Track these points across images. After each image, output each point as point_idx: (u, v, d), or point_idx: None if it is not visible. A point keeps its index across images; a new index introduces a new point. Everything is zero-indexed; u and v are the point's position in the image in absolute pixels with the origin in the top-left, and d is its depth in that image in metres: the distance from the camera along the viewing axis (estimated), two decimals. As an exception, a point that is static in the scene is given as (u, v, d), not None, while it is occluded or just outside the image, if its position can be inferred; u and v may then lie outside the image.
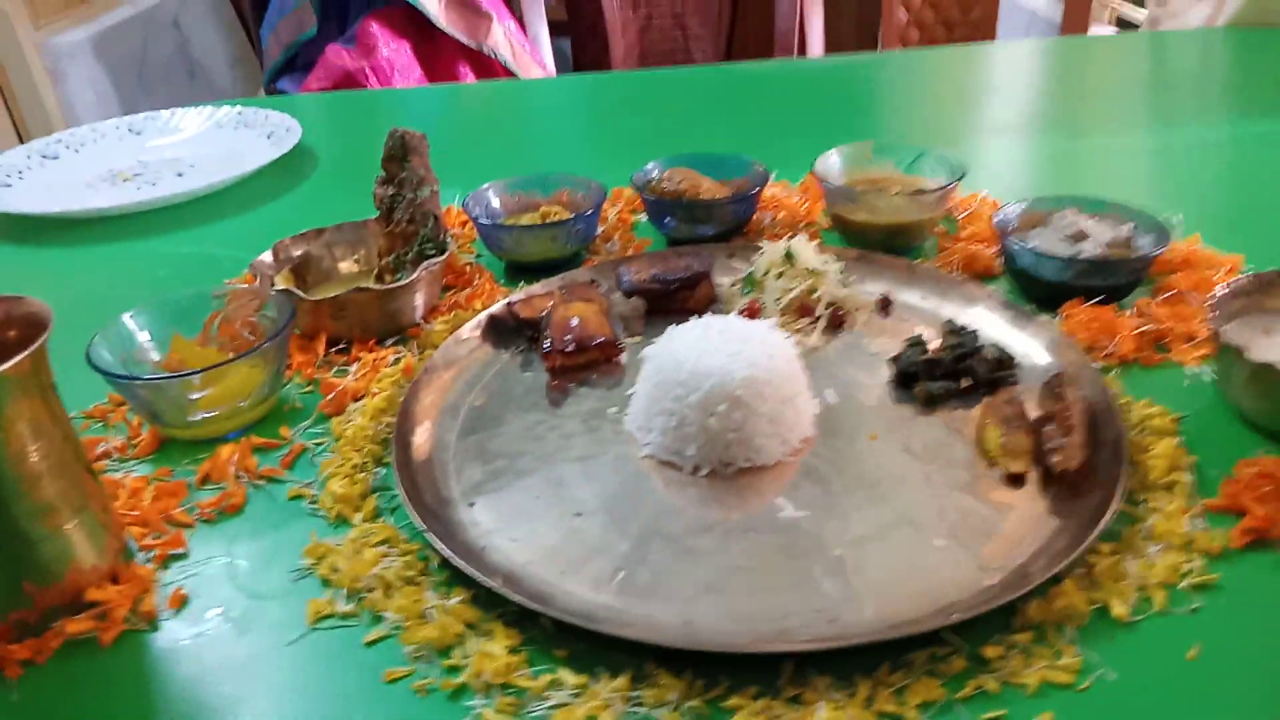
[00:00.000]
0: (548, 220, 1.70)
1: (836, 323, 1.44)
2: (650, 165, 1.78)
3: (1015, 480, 1.10)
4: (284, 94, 3.74)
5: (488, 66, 3.75)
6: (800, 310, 1.45)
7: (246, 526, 1.07)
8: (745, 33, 4.32)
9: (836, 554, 1.01)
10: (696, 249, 1.59)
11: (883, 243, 1.63)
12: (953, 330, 1.36)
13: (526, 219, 1.73)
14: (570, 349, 1.35)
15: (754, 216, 1.77)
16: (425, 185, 1.58)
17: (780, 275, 1.47)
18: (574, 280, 1.54)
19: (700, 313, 1.49)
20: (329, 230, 1.63)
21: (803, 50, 3.86)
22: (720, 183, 1.79)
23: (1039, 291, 1.44)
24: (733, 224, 1.71)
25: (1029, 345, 1.32)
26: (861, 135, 1.83)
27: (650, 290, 1.50)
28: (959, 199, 1.78)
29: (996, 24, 3.75)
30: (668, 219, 1.71)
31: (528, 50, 3.83)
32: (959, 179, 1.61)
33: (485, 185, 1.74)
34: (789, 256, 1.47)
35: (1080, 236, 1.45)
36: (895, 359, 1.31)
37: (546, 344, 1.36)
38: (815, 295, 1.45)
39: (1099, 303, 1.37)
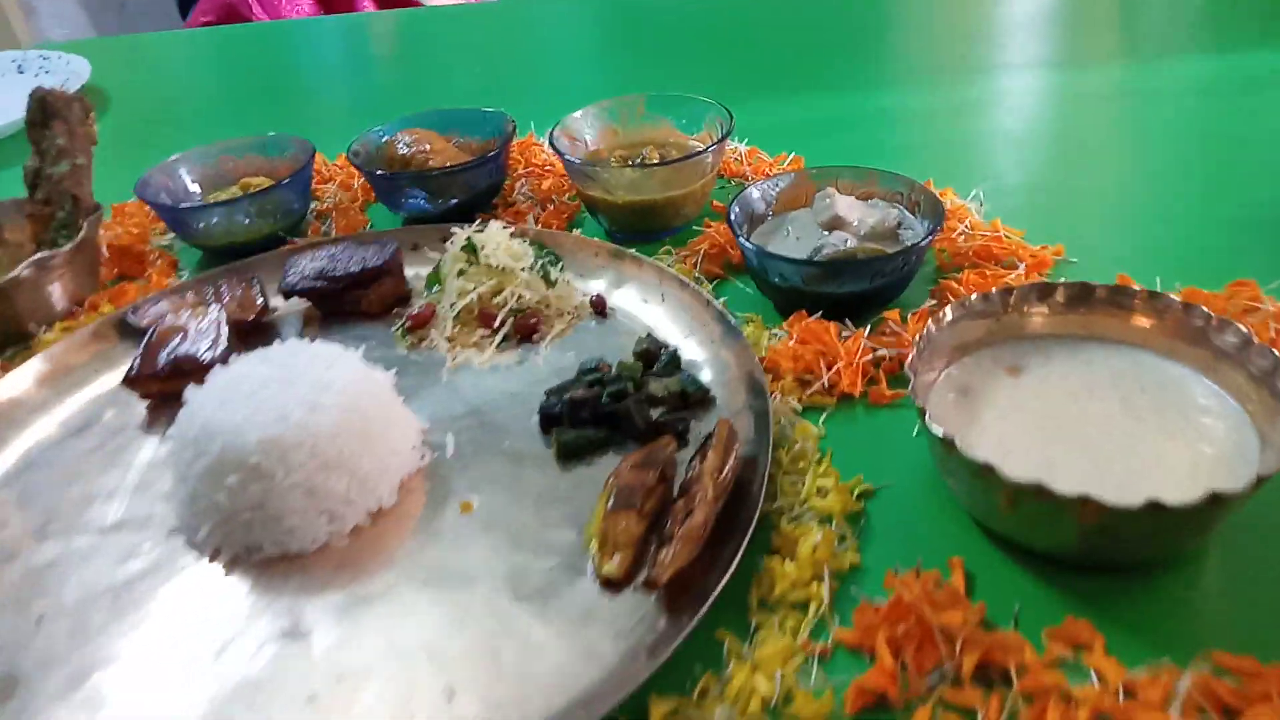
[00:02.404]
0: (247, 193, 1.42)
1: (525, 332, 1.14)
2: (377, 129, 1.47)
3: (611, 585, 0.81)
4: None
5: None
6: (482, 318, 1.15)
7: None
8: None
9: (310, 693, 0.75)
10: (385, 238, 1.30)
11: (633, 225, 1.32)
12: (641, 352, 1.06)
13: (225, 195, 1.45)
14: (164, 372, 1.08)
15: (504, 184, 1.47)
16: (65, 158, 1.31)
17: (461, 272, 1.17)
18: (229, 277, 1.26)
19: (377, 316, 1.23)
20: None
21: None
22: (468, 142, 1.49)
23: (777, 299, 1.12)
24: (473, 195, 1.41)
25: (735, 374, 1.01)
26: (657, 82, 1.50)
27: (314, 291, 1.22)
28: (754, 165, 1.45)
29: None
30: (392, 195, 1.41)
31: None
32: (719, 141, 1.28)
33: (174, 156, 1.45)
34: (470, 249, 1.17)
35: (835, 224, 1.12)
36: (554, 392, 1.02)
37: (133, 365, 1.09)
38: (498, 299, 1.16)
39: (828, 316, 1.05)
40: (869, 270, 1.04)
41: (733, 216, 1.12)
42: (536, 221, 1.36)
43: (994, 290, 0.91)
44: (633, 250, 1.21)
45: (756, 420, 0.92)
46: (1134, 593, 0.75)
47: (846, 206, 1.13)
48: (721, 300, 1.15)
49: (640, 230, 1.32)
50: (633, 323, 1.15)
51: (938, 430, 0.76)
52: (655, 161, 1.31)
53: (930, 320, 0.88)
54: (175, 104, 2.19)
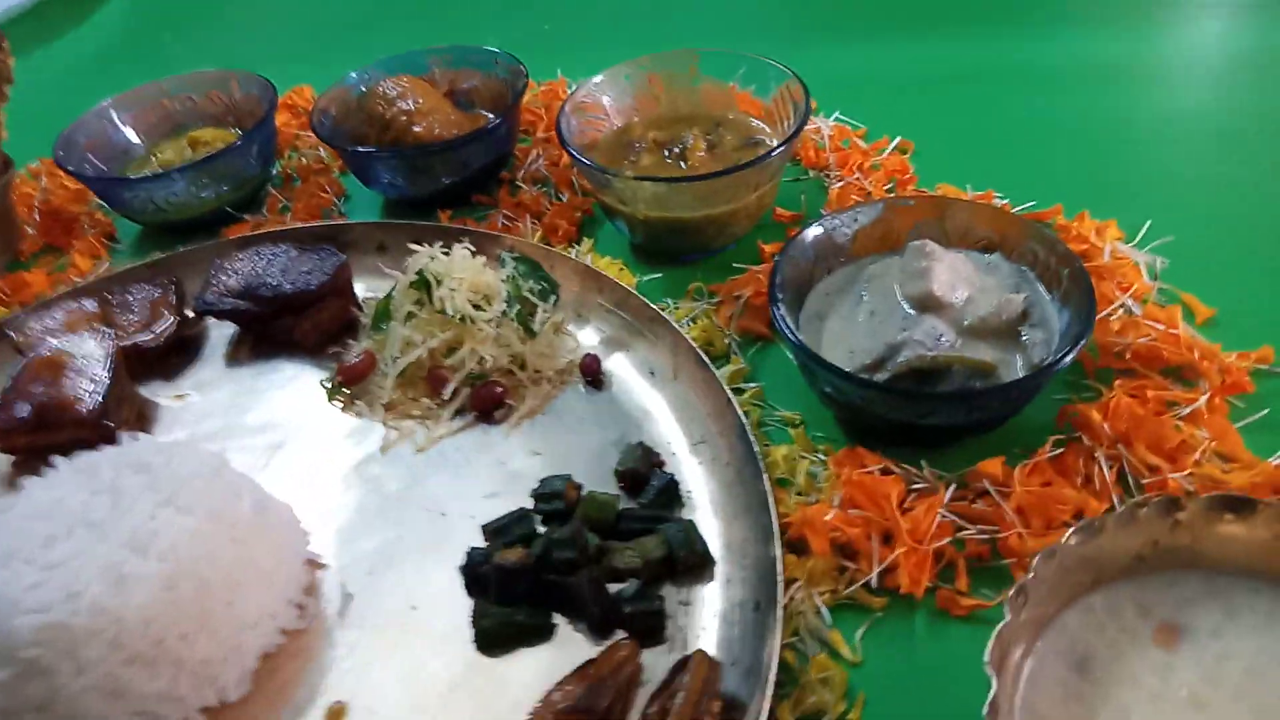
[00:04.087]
0: (198, 155, 1.14)
1: (484, 407, 0.85)
2: (352, 75, 1.15)
3: None
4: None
5: None
6: (430, 380, 0.86)
7: None
8: None
9: None
10: (340, 235, 1.00)
11: (662, 243, 0.98)
12: (627, 472, 0.76)
13: (170, 150, 1.17)
14: (28, 423, 0.84)
15: (514, 154, 1.14)
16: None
17: (409, 317, 0.88)
18: (145, 279, 1.00)
19: (311, 351, 0.95)
20: None
21: None
22: (474, 88, 1.16)
23: (832, 406, 0.79)
24: (469, 175, 1.09)
25: (742, 532, 0.71)
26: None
27: (235, 314, 0.95)
28: (841, 154, 1.07)
29: None
30: (367, 171, 1.10)
31: None
32: (789, 140, 0.91)
33: (107, 101, 1.17)
34: (421, 285, 0.87)
35: (929, 302, 0.76)
36: (494, 532, 0.73)
37: (-11, 414, 0.85)
38: (452, 359, 0.86)
39: (898, 442, 0.72)
40: (964, 404, 0.70)
41: (777, 283, 0.77)
42: (538, 224, 1.04)
43: (1155, 498, 0.57)
44: (658, 274, 0.90)
45: (752, 635, 0.62)
46: None
47: (949, 275, 0.77)
48: (753, 390, 0.82)
49: (673, 249, 0.99)
50: (631, 403, 0.84)
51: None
52: (683, 176, 0.95)
53: (1041, 555, 0.54)
54: (117, 33, 1.80)
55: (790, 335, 0.73)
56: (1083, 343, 0.68)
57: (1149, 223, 0.93)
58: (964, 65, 1.24)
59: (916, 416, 0.71)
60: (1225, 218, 0.95)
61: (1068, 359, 0.68)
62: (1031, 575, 0.54)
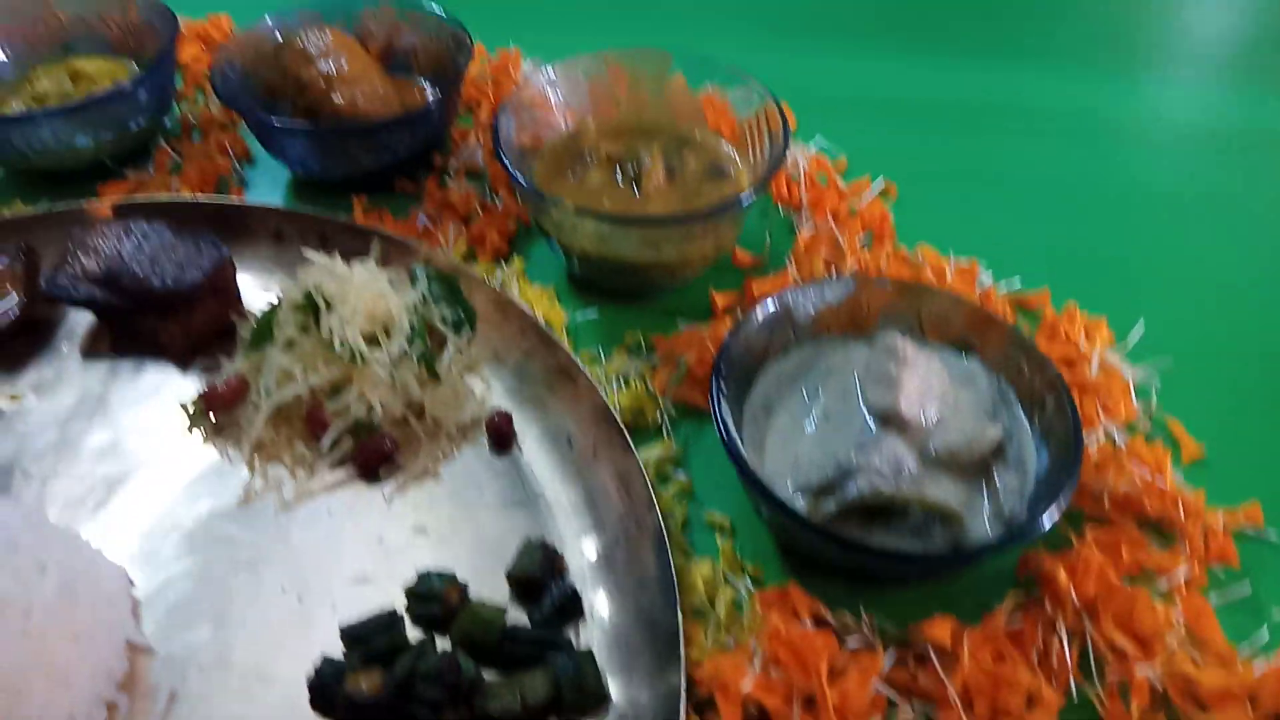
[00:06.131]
0: (82, 95, 0.97)
1: (368, 463, 0.72)
2: (269, 17, 0.99)
3: None
4: None
5: None
6: (309, 421, 0.74)
7: None
8: None
9: None
10: (228, 216, 0.86)
11: (604, 278, 0.86)
12: (522, 578, 0.64)
13: (47, 79, 1.00)
14: None
15: (449, 135, 1.00)
16: None
17: (291, 344, 0.74)
18: (-12, 244, 0.85)
19: (178, 358, 0.81)
20: None
21: None
22: (409, 47, 1.01)
23: (765, 524, 0.68)
24: (393, 162, 0.95)
25: (645, 672, 0.60)
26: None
27: (92, 304, 0.81)
28: (815, 194, 0.95)
29: None
30: (275, 143, 0.94)
31: None
32: (763, 182, 0.79)
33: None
34: (308, 307, 0.74)
35: (893, 418, 0.66)
36: (355, 640, 0.62)
37: None
38: (335, 403, 0.73)
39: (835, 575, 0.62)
40: (916, 563, 0.60)
41: (720, 376, 0.66)
42: (464, 230, 0.90)
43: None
44: (592, 311, 0.78)
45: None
46: None
47: (919, 388, 0.66)
48: (681, 484, 0.72)
49: (613, 288, 0.86)
50: (538, 479, 0.72)
51: None
52: (631, 217, 0.81)
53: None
54: None
55: (730, 446, 0.62)
56: (1062, 505, 0.59)
57: (1141, 322, 0.83)
58: (963, 94, 1.13)
59: (860, 565, 0.61)
60: (1228, 329, 0.85)
61: (1043, 524, 0.58)
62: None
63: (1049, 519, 0.58)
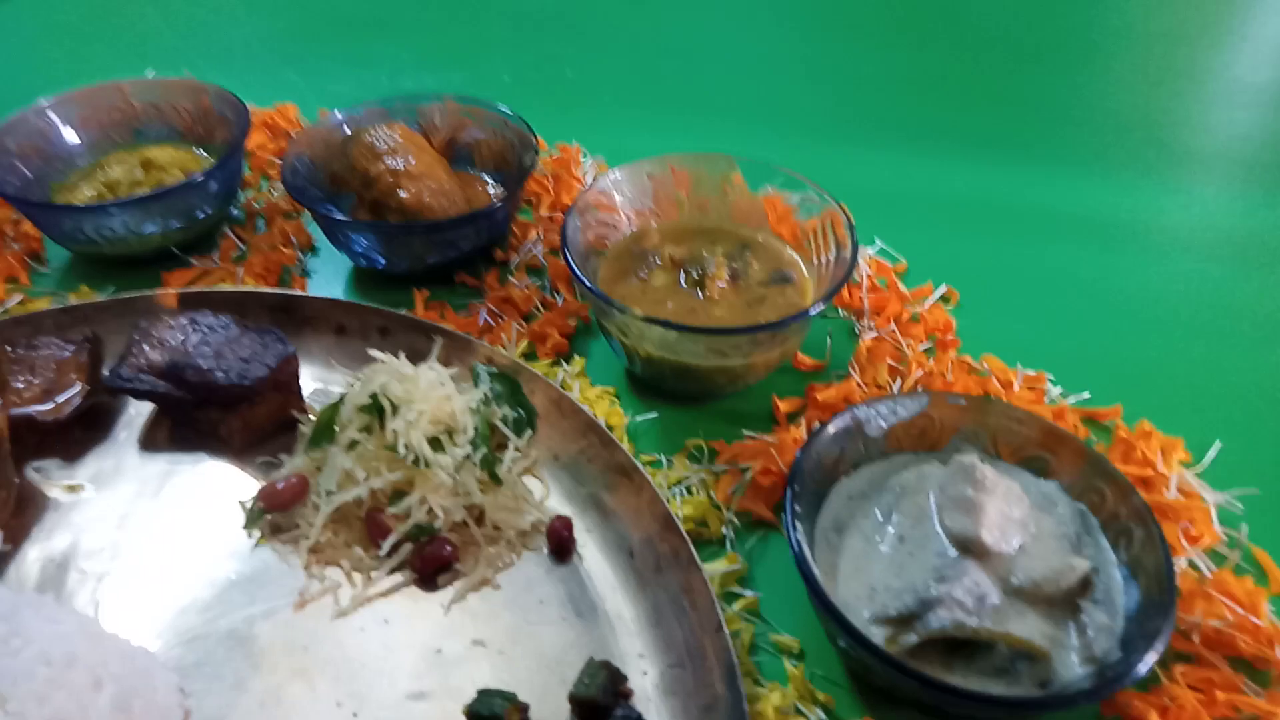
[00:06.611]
0: (152, 184, 0.99)
1: (428, 569, 0.71)
2: (337, 114, 1.01)
3: None
4: None
5: None
6: (369, 526, 0.72)
7: None
8: None
9: None
10: (294, 309, 0.86)
11: (666, 382, 0.85)
12: (584, 700, 0.62)
13: (119, 167, 1.02)
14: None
15: (510, 234, 1.01)
16: None
17: (353, 445, 0.74)
18: (54, 333, 0.85)
19: (239, 452, 0.81)
20: None
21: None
22: (478, 141, 1.03)
23: (838, 651, 0.66)
24: (455, 258, 0.95)
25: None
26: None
27: (154, 395, 0.80)
28: (877, 298, 0.94)
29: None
30: (338, 235, 0.95)
31: None
32: (826, 297, 0.78)
33: (45, 100, 1.02)
34: (374, 410, 0.73)
35: (971, 545, 0.64)
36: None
37: None
38: (397, 507, 0.72)
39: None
40: (1003, 706, 0.57)
41: (794, 494, 0.64)
42: (524, 329, 0.90)
43: None
44: (653, 413, 0.76)
45: None
46: None
47: (1000, 514, 0.64)
48: (747, 601, 0.69)
49: (675, 391, 0.86)
50: (600, 592, 0.70)
51: None
52: (699, 327, 0.80)
53: None
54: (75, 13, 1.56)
55: (806, 573, 0.60)
56: (1159, 650, 0.56)
57: (1218, 444, 0.81)
58: (1027, 200, 1.12)
59: (941, 704, 0.58)
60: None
61: (1140, 670, 0.55)
62: None
63: (1146, 665, 0.55)
